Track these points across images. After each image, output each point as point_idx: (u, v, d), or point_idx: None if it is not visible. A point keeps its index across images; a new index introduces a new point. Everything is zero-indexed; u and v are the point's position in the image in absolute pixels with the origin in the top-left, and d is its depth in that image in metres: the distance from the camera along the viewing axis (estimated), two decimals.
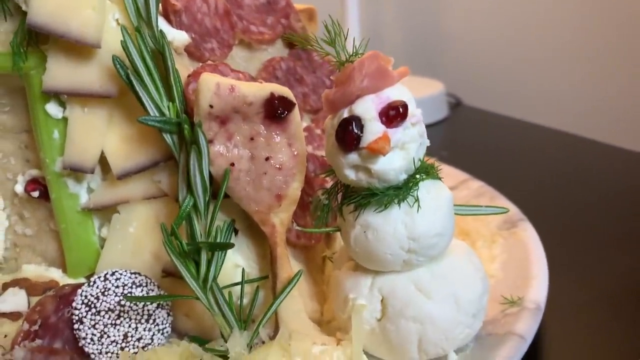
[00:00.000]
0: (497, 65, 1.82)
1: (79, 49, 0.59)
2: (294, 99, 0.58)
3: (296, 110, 0.58)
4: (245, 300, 0.62)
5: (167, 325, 0.62)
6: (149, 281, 0.62)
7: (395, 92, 0.55)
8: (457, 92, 1.79)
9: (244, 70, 0.77)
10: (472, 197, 0.96)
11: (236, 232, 0.64)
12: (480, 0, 1.80)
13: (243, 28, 0.78)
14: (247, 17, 0.80)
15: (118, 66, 0.56)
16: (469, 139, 1.48)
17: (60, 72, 0.60)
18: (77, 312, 0.59)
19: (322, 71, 0.91)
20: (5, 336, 0.61)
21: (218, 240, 0.58)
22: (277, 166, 0.58)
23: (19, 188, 0.68)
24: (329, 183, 0.76)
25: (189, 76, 0.61)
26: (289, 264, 0.61)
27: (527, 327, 0.59)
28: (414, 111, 0.55)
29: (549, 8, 1.61)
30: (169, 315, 0.62)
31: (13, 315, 0.62)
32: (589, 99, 1.56)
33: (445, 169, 1.03)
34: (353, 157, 0.54)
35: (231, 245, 0.56)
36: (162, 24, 0.61)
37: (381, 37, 2.03)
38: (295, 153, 0.59)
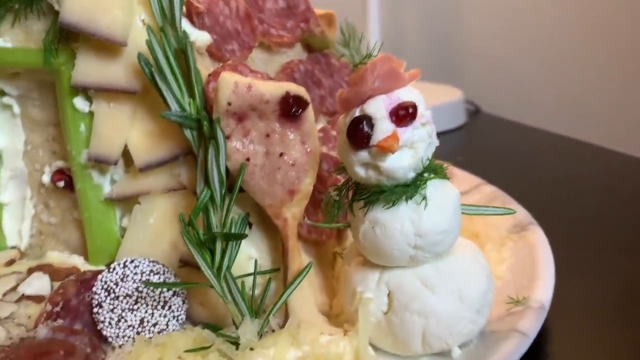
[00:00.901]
0: (516, 73, 1.82)
1: (106, 47, 0.62)
2: (308, 99, 0.60)
3: (310, 109, 0.61)
4: (257, 291, 0.64)
5: (182, 312, 0.65)
6: (166, 269, 0.65)
7: (405, 93, 0.57)
8: (476, 99, 1.81)
9: (262, 72, 0.80)
10: (485, 201, 0.98)
11: (250, 225, 0.66)
12: (501, 9, 1.81)
13: (263, 31, 0.80)
14: (267, 21, 0.83)
15: (143, 64, 0.59)
16: (485, 146, 1.49)
17: (88, 68, 0.63)
18: (96, 296, 0.62)
19: (340, 75, 0.93)
20: (29, 317, 0.64)
21: (232, 231, 0.61)
22: (291, 162, 0.61)
23: (46, 178, 0.72)
24: (341, 182, 0.79)
25: (209, 75, 0.64)
26: (300, 257, 0.63)
27: (530, 324, 0.61)
28: (423, 112, 0.57)
29: (570, 18, 1.62)
30: (184, 302, 0.65)
31: (37, 298, 0.66)
32: (608, 108, 1.56)
33: (460, 174, 1.06)
34: (363, 154, 0.56)
35: (245, 236, 0.59)
36: (186, 25, 0.64)
37: (401, 44, 2.05)
38: (309, 150, 0.61)
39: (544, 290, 0.68)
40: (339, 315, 0.69)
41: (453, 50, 1.99)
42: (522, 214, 0.89)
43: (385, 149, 0.54)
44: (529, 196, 0.97)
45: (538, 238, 0.81)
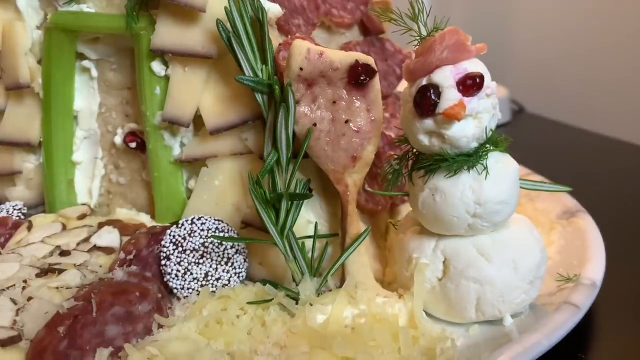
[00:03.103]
0: (561, 74, 1.81)
1: (185, 12, 0.66)
2: (376, 67, 0.63)
3: (377, 78, 0.63)
4: (315, 254, 0.67)
5: (244, 269, 0.68)
6: (230, 228, 0.68)
7: (472, 65, 0.59)
8: (520, 98, 1.81)
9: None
10: (532, 190, 0.99)
11: (310, 191, 0.69)
12: (550, 8, 1.81)
13: (326, 10, 0.83)
14: (330, 1, 0.86)
15: (221, 29, 0.62)
16: (528, 145, 1.49)
17: (167, 34, 0.67)
18: (165, 249, 0.66)
19: (394, 60, 0.96)
20: (100, 266, 0.68)
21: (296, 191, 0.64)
22: (355, 129, 0.63)
23: (118, 139, 0.76)
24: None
25: (279, 44, 0.67)
26: (358, 222, 0.66)
27: (582, 298, 0.62)
28: (489, 83, 0.59)
29: (618, 20, 1.61)
30: (245, 260, 0.68)
31: (107, 250, 0.69)
32: None
33: None
34: (428, 122, 0.59)
35: (309, 196, 0.62)
36: None
37: None
38: (373, 118, 0.64)
39: (595, 269, 0.69)
40: (390, 283, 0.71)
41: (499, 47, 1.99)
42: (570, 201, 0.90)
43: (451, 117, 0.57)
44: (574, 191, 0.98)
45: (587, 224, 0.82)
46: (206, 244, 0.66)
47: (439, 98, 0.57)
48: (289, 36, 0.72)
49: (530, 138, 1.60)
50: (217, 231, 0.67)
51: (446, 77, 0.57)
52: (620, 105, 1.63)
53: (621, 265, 0.78)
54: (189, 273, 0.66)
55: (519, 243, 0.62)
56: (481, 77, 0.57)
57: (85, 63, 0.75)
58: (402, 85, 0.95)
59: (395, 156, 0.79)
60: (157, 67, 0.69)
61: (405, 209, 0.80)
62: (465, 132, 0.58)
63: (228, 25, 0.63)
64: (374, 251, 0.71)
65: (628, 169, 1.24)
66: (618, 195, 1.09)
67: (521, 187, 0.64)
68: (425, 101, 0.58)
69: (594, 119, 1.64)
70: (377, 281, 0.69)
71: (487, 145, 0.60)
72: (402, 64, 0.96)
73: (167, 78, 0.69)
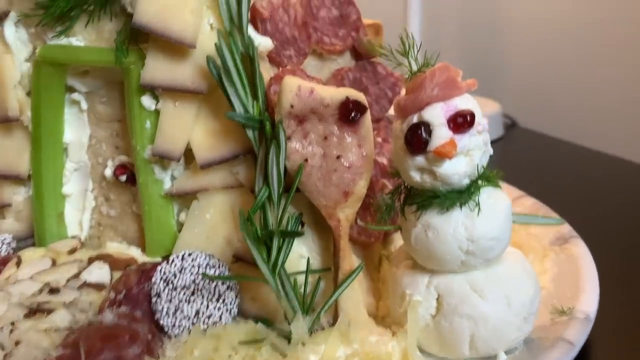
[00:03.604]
0: (553, 88, 1.82)
1: (175, 48, 0.65)
2: (366, 104, 0.62)
3: (368, 114, 0.63)
4: (308, 289, 0.66)
5: (235, 305, 0.67)
6: (221, 264, 0.68)
7: (463, 102, 0.59)
8: (512, 113, 1.81)
9: (317, 77, 0.83)
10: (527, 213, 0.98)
11: (302, 225, 0.69)
12: (539, 23, 1.81)
13: (317, 39, 0.83)
14: (321, 29, 0.85)
15: (211, 66, 0.62)
16: (522, 160, 1.50)
17: (157, 69, 0.66)
18: (155, 286, 0.65)
19: (385, 83, 0.95)
20: (91, 304, 0.67)
21: (288, 229, 0.63)
22: (347, 165, 0.63)
23: (108, 172, 0.75)
24: (388, 187, 0.81)
25: (271, 79, 0.67)
26: (351, 257, 0.65)
27: (576, 334, 0.62)
28: (480, 120, 0.59)
29: (609, 34, 1.61)
30: (237, 296, 0.67)
31: (97, 286, 0.69)
32: None
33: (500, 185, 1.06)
34: (420, 159, 0.58)
35: (301, 233, 0.61)
36: (250, 30, 0.67)
37: (440, 55, 2.06)
38: (364, 154, 0.64)
39: (589, 301, 0.69)
40: (384, 317, 0.70)
41: (491, 62, 2.00)
42: (564, 226, 0.90)
43: (442, 155, 0.56)
44: (567, 208, 0.98)
45: (580, 251, 0.82)
46: (197, 281, 0.66)
47: (430, 136, 0.57)
48: (280, 68, 0.72)
49: (523, 154, 1.60)
50: (208, 267, 0.66)
51: (437, 115, 0.57)
52: (616, 122, 1.63)
53: (615, 293, 0.77)
54: (179, 311, 0.65)
55: (512, 279, 0.62)
56: (472, 114, 0.57)
57: (75, 96, 0.74)
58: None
59: (388, 188, 0.79)
60: (147, 101, 0.69)
61: (398, 238, 0.80)
62: (457, 169, 0.58)
63: (218, 61, 0.63)
64: (367, 285, 0.71)
65: (623, 188, 1.25)
66: (611, 215, 1.10)
67: (513, 222, 0.63)
68: (416, 139, 0.57)
69: (588, 134, 1.64)
70: (370, 315, 0.68)
71: (479, 182, 0.60)
72: (394, 87, 0.96)
73: (157, 112, 0.69)
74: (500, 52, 1.99)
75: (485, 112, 1.66)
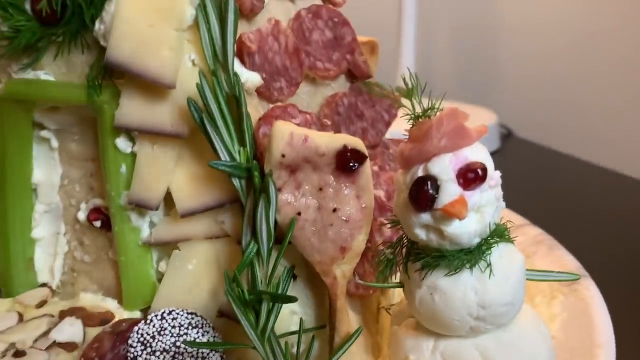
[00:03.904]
0: (550, 97, 1.78)
1: (153, 87, 0.59)
2: (366, 152, 0.56)
3: (367, 163, 0.57)
4: (300, 351, 0.60)
5: None
6: (204, 322, 0.61)
7: (473, 153, 0.53)
8: (508, 122, 1.76)
9: (307, 105, 0.77)
10: (529, 245, 0.93)
11: (294, 277, 0.63)
12: (535, 32, 1.77)
13: (310, 64, 0.77)
14: (314, 54, 0.79)
15: (193, 109, 0.56)
16: (519, 172, 1.45)
17: (133, 109, 0.60)
18: (132, 350, 0.59)
19: (381, 105, 0.90)
20: None
21: (279, 288, 0.57)
22: (344, 218, 0.57)
23: (82, 215, 0.69)
24: (387, 227, 0.75)
25: (259, 120, 0.60)
26: (349, 318, 0.60)
27: None
28: (492, 173, 0.53)
29: (607, 42, 1.57)
30: (222, 358, 0.61)
31: (68, 346, 0.62)
32: None
33: (503, 212, 1.01)
34: (426, 217, 0.52)
35: (294, 299, 0.55)
36: (236, 66, 0.61)
37: (434, 64, 2.01)
38: (364, 206, 0.58)
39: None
40: None
41: (486, 71, 1.95)
42: (572, 264, 0.85)
43: (452, 215, 0.50)
44: (566, 232, 0.93)
45: (592, 295, 0.77)
46: (178, 344, 0.59)
47: (437, 192, 0.51)
48: (270, 106, 0.66)
49: (520, 165, 1.55)
50: (190, 327, 0.60)
51: (445, 169, 0.51)
52: (615, 134, 1.58)
53: (628, 331, 0.72)
54: None
55: (525, 345, 0.56)
56: (484, 169, 0.52)
57: (44, 133, 0.68)
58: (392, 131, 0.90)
59: (386, 227, 0.73)
60: (122, 143, 0.62)
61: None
62: (467, 228, 0.52)
63: (200, 103, 0.57)
64: (365, 342, 0.65)
65: (626, 205, 1.20)
66: (613, 236, 1.05)
67: (527, 279, 0.58)
68: (422, 195, 0.52)
69: (584, 144, 1.60)
70: None
71: (491, 240, 0.54)
72: (390, 109, 0.90)
73: (133, 155, 0.62)
74: (496, 60, 1.95)
75: (481, 122, 1.60)
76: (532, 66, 1.80)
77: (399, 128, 0.63)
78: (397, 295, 0.77)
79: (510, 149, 1.65)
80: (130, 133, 0.62)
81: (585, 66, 1.64)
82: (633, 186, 1.32)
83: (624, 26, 1.51)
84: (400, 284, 0.59)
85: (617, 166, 1.42)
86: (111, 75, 0.62)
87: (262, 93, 0.67)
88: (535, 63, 1.79)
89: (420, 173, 0.53)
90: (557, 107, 1.74)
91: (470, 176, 0.51)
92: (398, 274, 0.61)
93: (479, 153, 0.53)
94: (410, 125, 0.56)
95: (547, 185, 1.35)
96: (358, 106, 0.84)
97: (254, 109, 0.64)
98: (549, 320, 0.75)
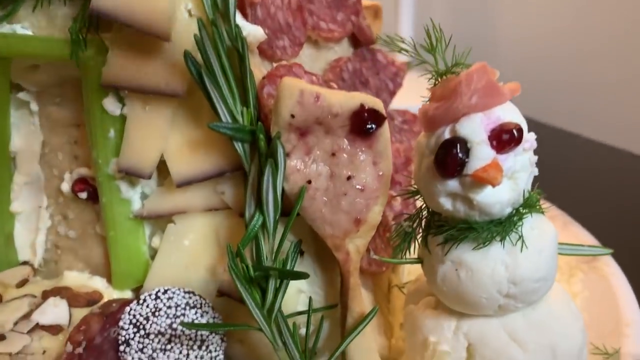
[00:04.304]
0: (548, 75, 1.73)
1: (145, 40, 0.53)
2: (384, 112, 0.51)
3: (386, 125, 0.51)
4: (310, 332, 0.55)
5: (220, 352, 0.56)
6: (203, 302, 0.56)
7: (505, 112, 0.47)
8: None
9: (309, 69, 0.71)
10: None
11: (301, 253, 0.57)
12: (532, 10, 1.72)
13: (313, 24, 0.71)
14: (317, 13, 0.73)
15: (190, 63, 0.49)
16: None
17: (122, 65, 0.53)
18: (124, 332, 0.53)
19: (386, 74, 0.84)
20: (44, 352, 0.55)
21: (287, 264, 0.52)
22: (359, 187, 0.51)
23: (65, 187, 0.62)
24: (396, 201, 0.70)
25: (263, 78, 0.54)
26: (362, 297, 0.54)
27: None
28: (527, 135, 0.47)
29: (609, 20, 1.52)
30: (222, 341, 0.56)
31: (53, 329, 0.57)
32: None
33: None
34: (453, 184, 0.47)
35: (305, 275, 0.50)
36: (238, 18, 0.55)
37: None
38: (381, 173, 0.52)
39: (636, 341, 0.59)
40: (397, 359, 0.60)
41: (483, 48, 1.90)
42: (590, 241, 0.80)
43: (484, 181, 0.45)
44: (578, 211, 0.88)
45: (612, 272, 0.72)
46: (174, 326, 0.54)
47: (467, 156, 0.46)
48: (273, 64, 0.60)
49: None
50: (187, 307, 0.55)
51: (476, 130, 0.46)
52: (616, 111, 1.55)
53: None
54: None
55: (557, 324, 0.51)
56: (520, 129, 0.46)
57: (23, 95, 0.61)
58: (396, 102, 0.84)
59: (396, 200, 0.68)
60: (110, 104, 0.56)
61: None
62: (499, 197, 0.47)
63: (199, 56, 0.50)
64: (377, 322, 0.60)
65: (626, 179, 1.17)
66: (616, 211, 1.01)
67: (559, 254, 0.53)
68: (451, 159, 0.46)
69: (587, 122, 1.57)
70: (383, 359, 0.57)
71: (524, 210, 0.49)
72: (395, 78, 0.84)
73: (123, 118, 0.56)
74: (493, 36, 1.90)
75: None
76: (531, 44, 1.76)
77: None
78: (407, 273, 0.72)
79: None
80: (119, 93, 0.55)
81: (584, 44, 1.59)
82: (634, 162, 1.29)
83: (620, 4, 1.47)
84: (419, 260, 0.54)
85: (619, 143, 1.39)
86: (97, 28, 0.55)
87: (265, 51, 0.60)
88: (534, 41, 1.74)
89: (447, 135, 0.47)
90: (556, 85, 1.70)
91: (505, 138, 0.46)
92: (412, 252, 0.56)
93: (512, 113, 0.48)
94: (433, 84, 0.51)
95: (547, 162, 1.32)
96: (363, 73, 0.79)
97: (256, 68, 0.58)
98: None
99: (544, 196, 0.92)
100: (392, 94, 0.83)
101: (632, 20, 1.46)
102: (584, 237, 0.82)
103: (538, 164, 0.50)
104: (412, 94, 0.63)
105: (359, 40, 0.80)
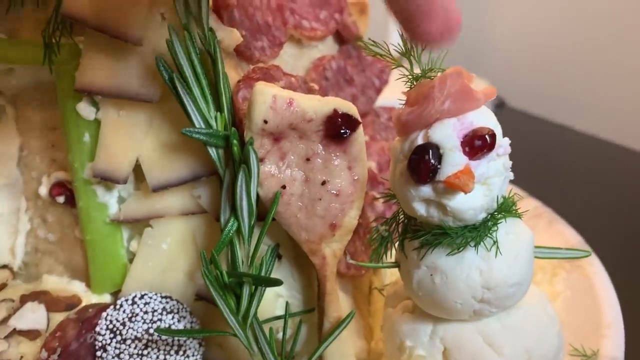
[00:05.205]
0: (542, 66, 1.73)
1: (118, 44, 0.52)
2: (359, 117, 0.50)
3: (360, 130, 0.51)
4: (287, 337, 0.55)
5: (198, 356, 0.56)
6: (180, 307, 0.56)
7: (479, 117, 0.47)
8: (501, 92, 1.71)
9: (292, 69, 0.70)
10: (528, 219, 0.87)
11: (279, 257, 0.57)
12: (529, 1, 1.71)
13: (295, 23, 0.70)
14: (299, 11, 0.72)
15: (162, 68, 0.49)
16: (512, 143, 1.40)
17: (95, 70, 0.53)
18: (100, 338, 0.53)
19: (372, 70, 0.84)
20: (22, 358, 0.55)
21: (263, 269, 0.52)
22: (334, 192, 0.51)
23: (43, 190, 0.62)
24: (379, 202, 0.69)
25: (238, 82, 0.54)
26: (339, 301, 0.54)
27: None
28: (500, 141, 0.47)
29: (603, 12, 1.51)
30: (200, 346, 0.56)
31: (30, 334, 0.57)
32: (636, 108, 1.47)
33: None
34: (426, 190, 0.47)
35: (279, 282, 0.50)
36: (212, 21, 0.54)
37: None
38: (356, 178, 0.52)
39: (615, 343, 0.59)
40: None
41: (477, 38, 1.89)
42: (573, 237, 0.80)
43: (456, 188, 0.45)
44: (564, 204, 0.88)
45: (596, 271, 0.72)
46: (151, 331, 0.54)
47: (439, 162, 0.45)
48: (251, 66, 0.59)
49: (513, 136, 1.50)
50: (164, 313, 0.55)
51: (449, 136, 0.45)
52: (608, 104, 1.54)
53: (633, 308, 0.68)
54: None
55: (533, 328, 0.51)
56: (492, 135, 0.46)
57: None
58: (382, 98, 0.84)
59: (378, 201, 0.68)
60: (84, 109, 0.55)
61: None
62: (472, 203, 0.47)
63: (171, 61, 0.50)
64: (357, 325, 0.60)
65: (620, 176, 1.16)
66: (608, 206, 1.01)
67: (536, 257, 0.53)
68: (423, 166, 0.46)
69: (580, 115, 1.57)
70: None
71: (498, 215, 0.49)
72: (381, 75, 0.84)
73: (98, 122, 0.56)
74: (487, 27, 1.89)
75: None
76: (525, 35, 1.74)
77: (393, 96, 0.57)
78: (389, 274, 0.71)
79: (503, 119, 1.61)
80: (94, 97, 0.55)
81: (578, 36, 1.59)
82: (626, 156, 1.28)
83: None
84: (396, 264, 0.54)
85: (611, 136, 1.38)
86: (70, 32, 0.54)
87: (242, 53, 0.60)
88: (529, 32, 1.73)
89: (420, 140, 0.47)
90: (550, 77, 1.69)
91: (477, 144, 0.45)
92: (394, 252, 0.56)
93: (485, 118, 0.47)
94: (409, 88, 0.50)
95: (540, 156, 1.31)
96: (347, 71, 0.78)
97: (233, 70, 0.57)
98: (551, 298, 0.70)
99: (531, 192, 0.92)
100: (378, 90, 0.83)
101: (626, 14, 1.45)
102: (569, 235, 0.82)
103: (531, 158, 0.49)
104: (399, 91, 0.62)
105: (344, 38, 0.79)
